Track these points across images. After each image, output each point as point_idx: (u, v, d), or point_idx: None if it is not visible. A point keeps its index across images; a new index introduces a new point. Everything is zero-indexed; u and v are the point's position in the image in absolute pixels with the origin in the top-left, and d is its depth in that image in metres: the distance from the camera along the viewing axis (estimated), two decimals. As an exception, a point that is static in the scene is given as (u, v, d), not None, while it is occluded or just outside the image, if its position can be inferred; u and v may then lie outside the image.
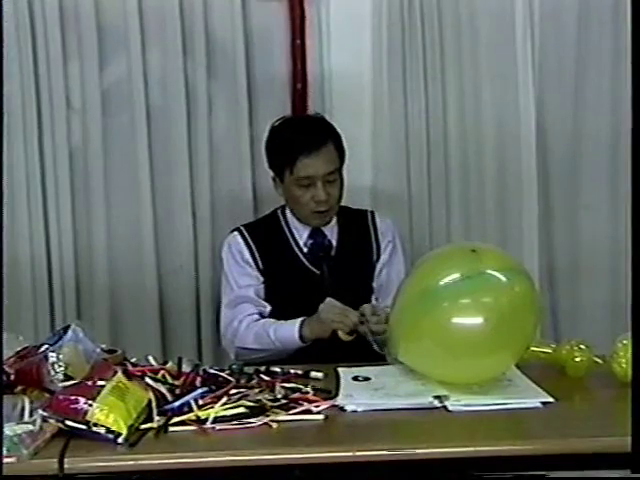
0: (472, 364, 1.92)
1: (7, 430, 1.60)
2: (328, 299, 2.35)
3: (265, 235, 2.59)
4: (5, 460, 1.56)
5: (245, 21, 3.02)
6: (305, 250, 2.56)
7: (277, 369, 2.08)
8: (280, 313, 2.49)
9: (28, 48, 2.93)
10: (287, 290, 2.51)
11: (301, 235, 2.58)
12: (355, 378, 2.04)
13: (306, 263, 2.55)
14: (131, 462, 1.61)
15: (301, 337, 2.38)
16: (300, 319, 2.39)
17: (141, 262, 3.04)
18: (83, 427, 1.65)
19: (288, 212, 2.60)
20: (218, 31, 3.03)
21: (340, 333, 2.29)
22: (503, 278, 1.92)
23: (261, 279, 2.54)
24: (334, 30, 3.06)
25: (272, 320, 2.47)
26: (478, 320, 1.88)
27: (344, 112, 3.03)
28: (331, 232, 2.59)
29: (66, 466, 1.58)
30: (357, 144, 2.97)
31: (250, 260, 2.54)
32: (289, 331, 2.39)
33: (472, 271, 1.92)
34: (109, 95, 3.04)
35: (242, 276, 2.54)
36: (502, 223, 3.18)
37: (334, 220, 2.60)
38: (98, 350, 1.98)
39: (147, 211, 3.03)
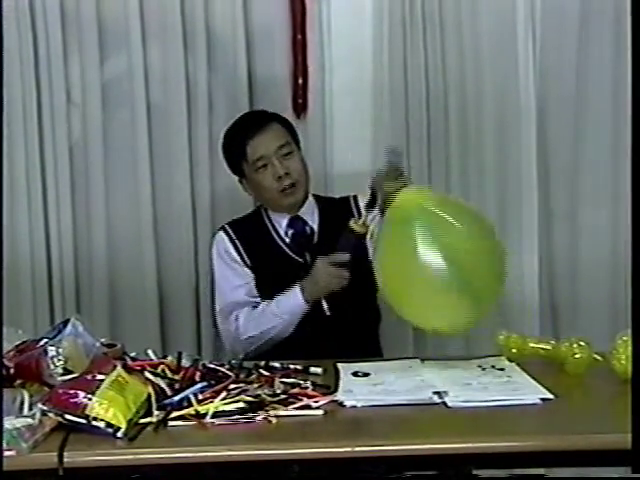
0: (435, 304, 1.97)
1: (6, 424, 1.60)
2: (319, 261, 2.40)
3: (248, 230, 2.61)
4: (4, 454, 1.56)
5: (246, 16, 3.02)
6: (287, 240, 2.58)
7: (276, 364, 2.08)
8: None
9: (29, 43, 2.93)
10: (274, 281, 2.50)
11: (281, 225, 2.59)
12: (354, 373, 2.04)
13: (289, 252, 2.56)
14: (130, 456, 1.61)
15: (306, 300, 2.42)
16: (297, 286, 2.43)
17: (141, 257, 3.04)
18: (82, 421, 1.65)
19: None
20: (219, 26, 3.03)
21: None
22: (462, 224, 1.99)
23: (251, 275, 2.55)
24: (335, 25, 3.06)
25: (267, 302, 2.49)
26: (438, 261, 1.93)
27: (345, 107, 3.03)
28: (312, 219, 2.59)
29: (65, 460, 1.57)
30: (358, 140, 2.97)
31: (237, 258, 2.57)
32: (292, 298, 2.43)
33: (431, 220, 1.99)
34: (109, 90, 3.04)
35: (232, 278, 2.56)
36: (502, 221, 3.17)
37: (314, 206, 2.60)
38: (97, 344, 1.98)
39: (147, 206, 3.03)
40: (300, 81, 3.05)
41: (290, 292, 2.44)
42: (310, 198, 2.64)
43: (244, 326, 2.49)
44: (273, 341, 2.46)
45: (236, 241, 2.58)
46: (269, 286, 2.53)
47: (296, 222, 2.60)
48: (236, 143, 2.58)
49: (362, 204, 2.43)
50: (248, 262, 2.56)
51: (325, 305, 2.46)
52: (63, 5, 2.96)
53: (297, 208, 2.60)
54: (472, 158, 3.15)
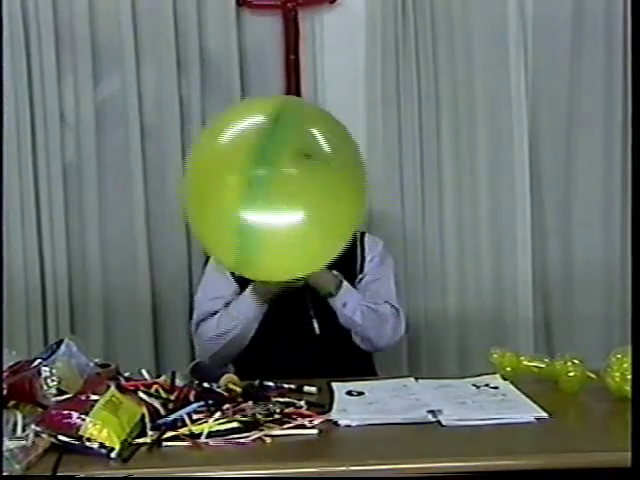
0: None
1: None
2: None
3: None
4: (-2, 475, 1.56)
5: (239, 37, 3.04)
6: None
7: (270, 384, 2.08)
8: (265, 322, 2.47)
9: (22, 64, 2.94)
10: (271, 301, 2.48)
11: None
12: (349, 393, 2.04)
13: None
14: (124, 477, 1.60)
15: (256, 301, 2.41)
16: (249, 288, 2.42)
17: (135, 276, 3.04)
18: (76, 442, 1.64)
19: None
20: (212, 47, 3.05)
21: None
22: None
23: (237, 288, 2.52)
24: (328, 45, 3.08)
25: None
26: None
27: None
28: None
29: (59, 481, 1.57)
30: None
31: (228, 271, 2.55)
32: (244, 300, 2.43)
33: None
34: (103, 111, 3.05)
35: (216, 286, 2.54)
36: (496, 238, 3.19)
37: None
38: (91, 364, 1.98)
39: (141, 226, 3.03)
40: (293, 101, 3.06)
41: (244, 293, 2.44)
42: None
43: (206, 328, 2.48)
44: (234, 344, 2.45)
45: None
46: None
47: None
48: None
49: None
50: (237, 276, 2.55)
51: (315, 324, 2.46)
52: (57, 26, 2.97)
53: None
54: (466, 176, 3.16)
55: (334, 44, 3.08)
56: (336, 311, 2.45)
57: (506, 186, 3.17)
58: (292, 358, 2.41)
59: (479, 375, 2.17)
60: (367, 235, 2.66)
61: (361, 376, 2.25)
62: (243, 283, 2.51)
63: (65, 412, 1.67)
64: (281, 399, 1.94)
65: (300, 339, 2.46)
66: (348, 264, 2.57)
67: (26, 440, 1.64)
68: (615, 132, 3.14)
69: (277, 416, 1.83)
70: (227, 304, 2.51)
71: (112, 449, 1.64)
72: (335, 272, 2.44)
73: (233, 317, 2.44)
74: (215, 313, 2.50)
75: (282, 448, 1.72)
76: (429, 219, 3.14)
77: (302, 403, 1.91)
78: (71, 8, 2.98)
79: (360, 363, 2.55)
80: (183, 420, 1.77)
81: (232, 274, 2.54)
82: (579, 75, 3.15)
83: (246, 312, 2.43)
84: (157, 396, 1.89)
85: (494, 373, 2.17)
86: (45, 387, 1.84)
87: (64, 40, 2.99)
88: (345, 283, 2.45)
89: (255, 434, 1.74)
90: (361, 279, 2.57)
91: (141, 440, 1.71)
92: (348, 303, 2.45)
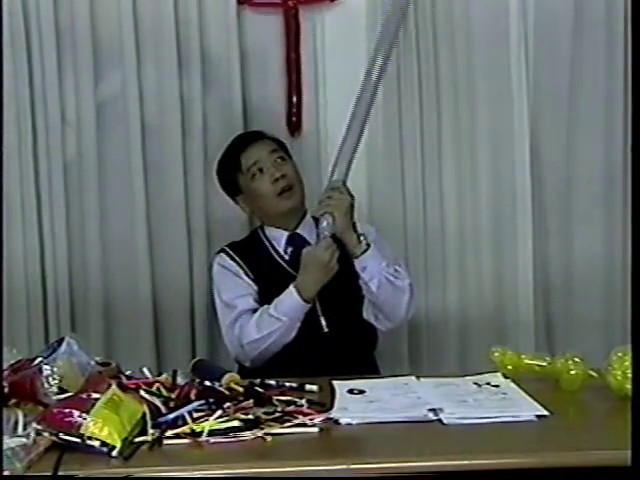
0: None
1: (0, 444, 1.60)
2: (304, 251, 2.44)
3: (248, 251, 2.61)
4: (-2, 474, 1.56)
5: (240, 35, 3.03)
6: (287, 257, 2.58)
7: (272, 382, 2.08)
8: None
9: (23, 62, 2.94)
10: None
11: (279, 243, 2.60)
12: (350, 391, 2.03)
13: (289, 270, 2.54)
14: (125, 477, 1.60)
15: (303, 298, 2.40)
16: (292, 286, 2.42)
17: (135, 276, 3.04)
18: (77, 440, 1.64)
19: (265, 226, 2.65)
20: (213, 45, 3.05)
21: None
22: None
23: (255, 287, 2.53)
24: (329, 44, 3.08)
25: (266, 305, 2.47)
26: None
27: (339, 126, 3.03)
28: (310, 237, 2.58)
29: (60, 480, 1.56)
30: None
31: (241, 272, 2.56)
32: (289, 299, 2.41)
33: None
34: (104, 110, 3.04)
35: (236, 288, 2.54)
36: (497, 236, 3.19)
37: (312, 225, 2.59)
38: (92, 363, 1.98)
39: (142, 226, 3.03)
40: (294, 99, 3.06)
41: (286, 293, 2.42)
42: (308, 217, 2.65)
43: (244, 331, 2.45)
44: (275, 346, 2.43)
45: (238, 260, 2.57)
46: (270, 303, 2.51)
47: (295, 239, 2.60)
48: (231, 159, 2.61)
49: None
50: (251, 276, 2.55)
51: (323, 322, 2.47)
52: (58, 25, 2.97)
53: (295, 224, 2.61)
54: (467, 174, 3.15)
55: (335, 42, 3.07)
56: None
57: (507, 184, 3.17)
58: (300, 356, 2.42)
59: (480, 373, 2.17)
60: (357, 221, 2.65)
61: (364, 374, 2.25)
62: (260, 289, 2.52)
63: (66, 410, 1.67)
64: (282, 397, 1.94)
65: (308, 337, 2.46)
66: (343, 251, 2.55)
67: (27, 438, 1.64)
68: (616, 129, 3.14)
69: (278, 414, 1.83)
70: (255, 301, 2.51)
71: (113, 447, 1.64)
72: (364, 236, 2.46)
73: (275, 318, 2.42)
74: (249, 310, 2.49)
75: (283, 446, 1.72)
76: (430, 216, 3.14)
77: (303, 401, 1.91)
78: (72, 7, 2.97)
79: (363, 361, 2.56)
80: (184, 418, 1.78)
81: (247, 275, 2.54)
82: (580, 72, 3.14)
83: (290, 311, 2.41)
84: (158, 394, 1.89)
85: (495, 371, 2.17)
86: (46, 385, 1.84)
87: (65, 39, 2.99)
88: (372, 249, 2.45)
89: (256, 432, 1.74)
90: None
91: (142, 438, 1.71)
92: (367, 268, 2.44)
